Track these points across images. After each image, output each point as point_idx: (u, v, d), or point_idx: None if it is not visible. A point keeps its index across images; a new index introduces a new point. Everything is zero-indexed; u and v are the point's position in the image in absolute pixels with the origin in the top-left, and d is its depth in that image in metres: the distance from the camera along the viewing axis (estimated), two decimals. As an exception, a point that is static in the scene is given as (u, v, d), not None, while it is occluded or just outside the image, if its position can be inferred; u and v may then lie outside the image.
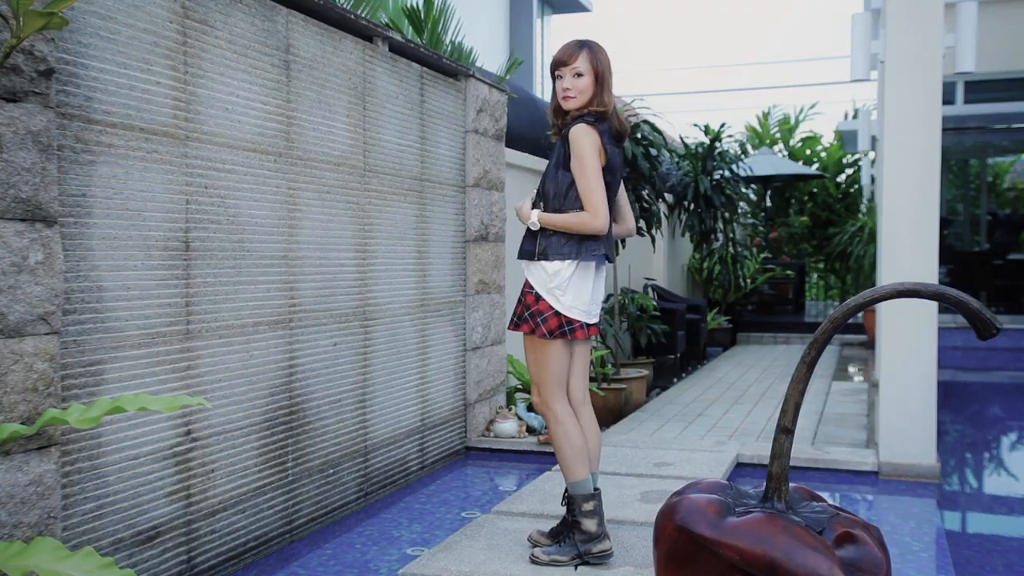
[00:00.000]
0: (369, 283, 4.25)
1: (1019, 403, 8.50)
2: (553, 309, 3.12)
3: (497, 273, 5.53)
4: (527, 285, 3.21)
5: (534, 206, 3.23)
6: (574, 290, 3.13)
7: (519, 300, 3.24)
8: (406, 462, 4.60)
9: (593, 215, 3.07)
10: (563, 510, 3.41)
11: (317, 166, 3.85)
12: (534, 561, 3.18)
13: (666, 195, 10.17)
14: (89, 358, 2.73)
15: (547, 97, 15.38)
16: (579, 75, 3.14)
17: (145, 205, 2.94)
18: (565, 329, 3.13)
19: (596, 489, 3.22)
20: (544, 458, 5.05)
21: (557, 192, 3.16)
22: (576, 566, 3.17)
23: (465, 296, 5.24)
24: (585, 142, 3.10)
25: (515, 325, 3.24)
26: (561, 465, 3.21)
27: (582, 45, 3.17)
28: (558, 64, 3.18)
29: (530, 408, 5.68)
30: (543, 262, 3.14)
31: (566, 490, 3.27)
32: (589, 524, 3.16)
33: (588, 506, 3.16)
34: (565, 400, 3.24)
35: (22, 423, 2.42)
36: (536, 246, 3.16)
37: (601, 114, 3.18)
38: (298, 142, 3.72)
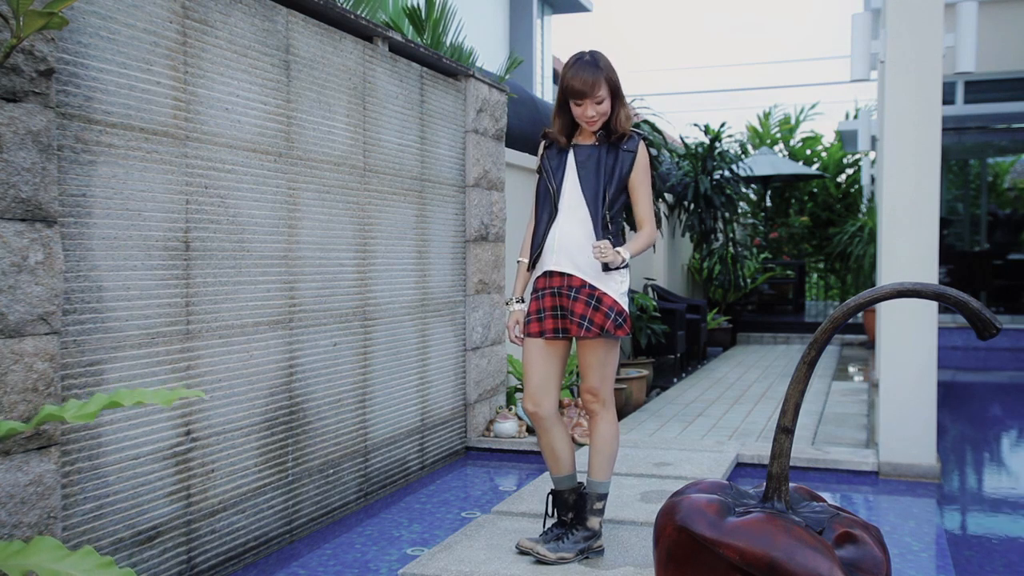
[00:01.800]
0: (369, 283, 4.25)
1: (1019, 403, 8.50)
2: (626, 310, 3.22)
3: (497, 273, 5.54)
4: (595, 291, 3.17)
5: (605, 228, 3.22)
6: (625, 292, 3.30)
7: (591, 308, 3.15)
8: (406, 462, 4.60)
9: (655, 230, 3.33)
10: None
11: (317, 166, 3.85)
12: (542, 560, 3.19)
13: (666, 195, 10.17)
14: (89, 358, 2.73)
15: (547, 97, 15.39)
16: (600, 102, 3.17)
17: (145, 205, 2.94)
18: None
19: (580, 484, 3.40)
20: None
21: (619, 207, 3.25)
22: (579, 561, 3.23)
23: (465, 296, 5.24)
24: (649, 164, 3.32)
25: (600, 332, 3.15)
26: (606, 464, 3.28)
27: (596, 69, 3.14)
28: (581, 95, 3.15)
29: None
30: (620, 268, 3.23)
31: (551, 492, 3.37)
32: (595, 522, 3.28)
33: (599, 505, 3.28)
34: None
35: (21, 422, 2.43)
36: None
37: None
38: (298, 142, 3.72)
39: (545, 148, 3.39)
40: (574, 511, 3.31)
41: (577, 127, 3.32)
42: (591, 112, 3.17)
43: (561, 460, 3.32)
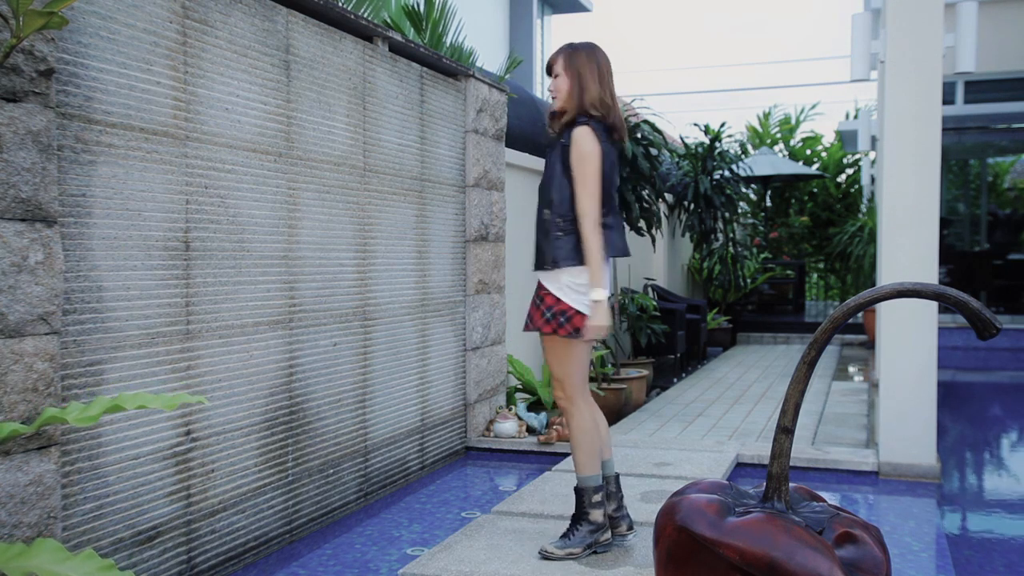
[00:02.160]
0: (369, 283, 4.25)
1: (1019, 403, 8.50)
2: (574, 308, 3.19)
3: (497, 273, 5.54)
4: (542, 288, 3.28)
5: (544, 208, 3.29)
6: (584, 290, 3.21)
7: (534, 303, 3.31)
8: (406, 462, 4.60)
9: (590, 228, 3.16)
10: (570, 510, 3.46)
11: (317, 166, 3.85)
12: (548, 557, 3.22)
13: (666, 195, 10.17)
14: (89, 358, 2.73)
15: (547, 97, 15.39)
16: (557, 76, 3.32)
17: (145, 205, 2.94)
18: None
19: (606, 478, 3.36)
20: (544, 458, 5.05)
21: (562, 199, 3.22)
22: (588, 555, 3.27)
23: (465, 296, 5.24)
24: (589, 147, 3.18)
25: (528, 326, 3.32)
26: (577, 458, 3.29)
27: (562, 49, 3.35)
28: (548, 68, 3.39)
29: (530, 408, 5.68)
30: (566, 267, 3.21)
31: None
32: (597, 515, 3.28)
33: (597, 497, 3.29)
34: (589, 396, 3.35)
35: (22, 423, 2.42)
36: (548, 255, 3.22)
37: (595, 115, 3.26)
38: (298, 142, 3.72)
39: None
40: (578, 506, 3.33)
41: None
42: (550, 84, 3.34)
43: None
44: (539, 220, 3.29)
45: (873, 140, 11.77)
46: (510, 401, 5.75)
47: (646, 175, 7.09)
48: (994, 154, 14.45)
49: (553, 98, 3.33)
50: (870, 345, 10.87)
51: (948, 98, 11.83)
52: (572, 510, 3.65)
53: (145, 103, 2.93)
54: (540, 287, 3.29)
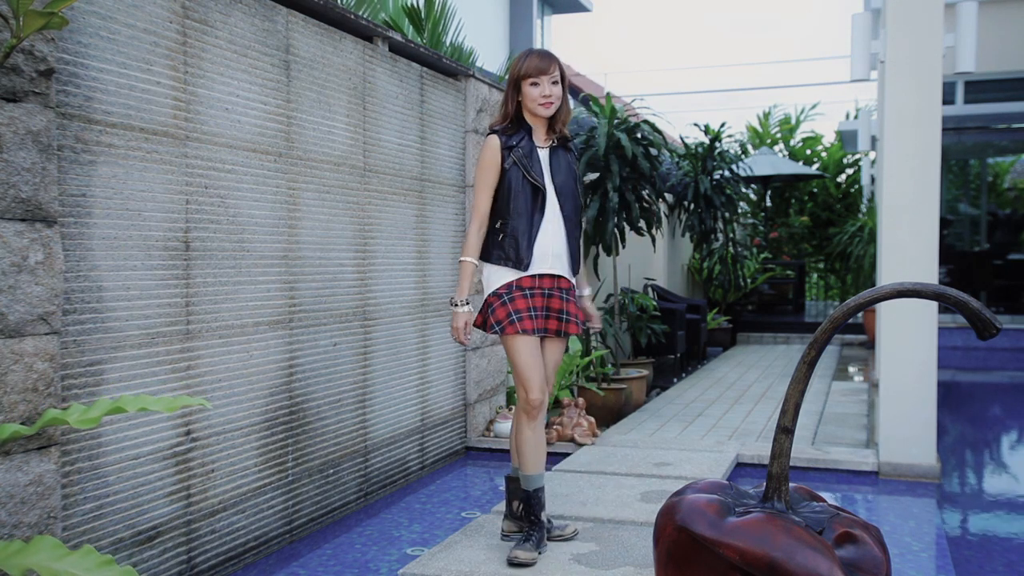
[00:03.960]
0: (369, 283, 4.25)
1: (1019, 403, 8.50)
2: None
3: (497, 273, 5.53)
4: (572, 290, 3.48)
5: (575, 214, 3.38)
6: None
7: (576, 305, 3.45)
8: (406, 462, 4.60)
9: None
10: (565, 509, 3.46)
11: (317, 166, 3.85)
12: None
13: (666, 195, 10.16)
14: (89, 358, 2.73)
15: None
16: (556, 83, 3.24)
17: (145, 205, 2.94)
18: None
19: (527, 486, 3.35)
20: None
21: (579, 206, 3.37)
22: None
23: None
24: None
25: (576, 326, 3.45)
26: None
27: (551, 56, 3.28)
28: (539, 72, 3.20)
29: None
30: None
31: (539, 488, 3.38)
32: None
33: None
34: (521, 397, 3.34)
35: (22, 423, 2.42)
36: (578, 259, 3.45)
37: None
38: (298, 142, 3.72)
39: (507, 144, 3.26)
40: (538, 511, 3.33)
41: (518, 127, 3.31)
42: (547, 91, 3.20)
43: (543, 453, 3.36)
44: (574, 225, 3.31)
45: (873, 140, 11.76)
46: (510, 401, 5.75)
47: (646, 175, 7.08)
48: (994, 154, 14.45)
49: (546, 104, 3.20)
50: (870, 345, 10.87)
51: (948, 98, 11.83)
52: (572, 509, 3.66)
53: (145, 103, 2.93)
54: (571, 288, 3.35)
